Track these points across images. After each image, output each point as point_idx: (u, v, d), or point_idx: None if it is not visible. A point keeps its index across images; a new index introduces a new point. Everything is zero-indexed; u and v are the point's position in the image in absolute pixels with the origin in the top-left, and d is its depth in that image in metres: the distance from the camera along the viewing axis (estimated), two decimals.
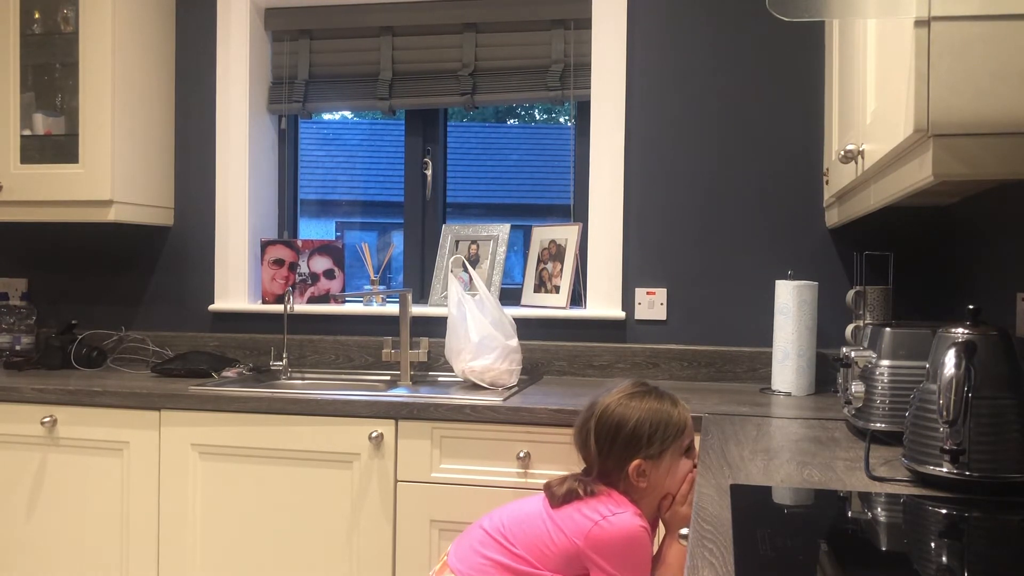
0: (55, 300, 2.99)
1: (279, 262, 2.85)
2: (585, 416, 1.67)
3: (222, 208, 2.85)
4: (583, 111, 2.72)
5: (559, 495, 1.58)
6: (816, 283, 2.33)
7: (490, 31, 2.76)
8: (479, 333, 2.32)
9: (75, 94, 2.63)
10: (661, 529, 1.71)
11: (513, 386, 2.33)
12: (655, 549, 1.70)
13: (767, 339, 2.48)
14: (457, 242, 2.77)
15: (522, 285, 2.78)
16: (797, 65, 2.51)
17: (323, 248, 2.85)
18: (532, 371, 2.63)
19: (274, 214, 2.99)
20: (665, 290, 2.59)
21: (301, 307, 2.80)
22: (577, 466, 1.71)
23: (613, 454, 1.61)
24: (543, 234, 2.74)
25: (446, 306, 2.48)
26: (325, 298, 2.84)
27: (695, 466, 1.66)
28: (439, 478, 2.11)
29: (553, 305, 2.64)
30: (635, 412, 1.62)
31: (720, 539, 1.02)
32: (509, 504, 1.67)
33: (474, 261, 2.71)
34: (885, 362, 1.58)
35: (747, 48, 2.54)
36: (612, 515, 1.54)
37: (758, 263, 2.54)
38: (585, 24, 2.66)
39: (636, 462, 1.60)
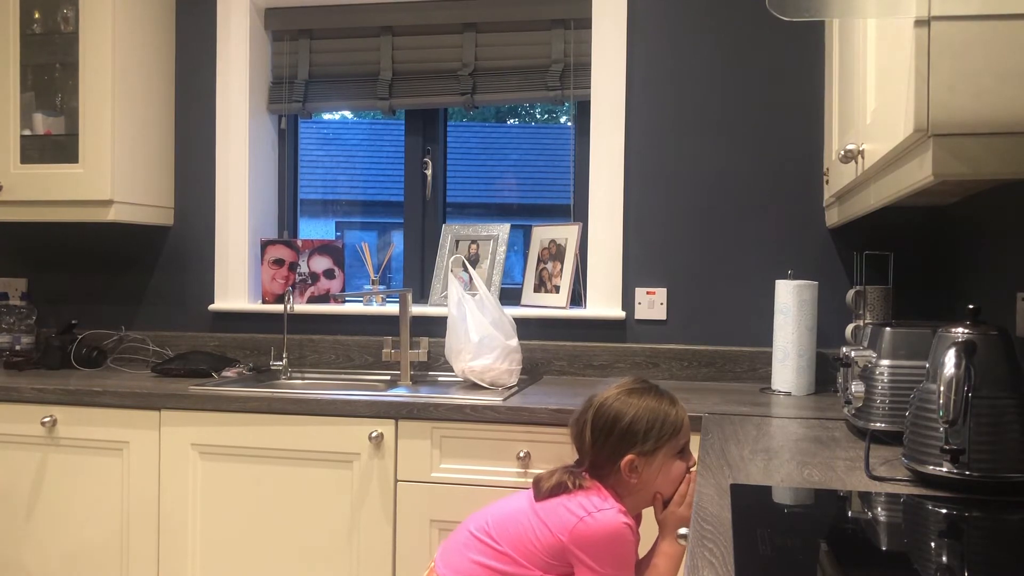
0: (55, 300, 2.99)
1: (279, 262, 2.85)
2: (583, 408, 1.68)
3: (222, 208, 2.85)
4: (583, 111, 2.72)
5: (547, 487, 1.59)
6: (816, 283, 2.33)
7: (490, 31, 2.76)
8: (479, 333, 2.32)
9: (75, 94, 2.63)
10: (652, 529, 1.70)
11: (513, 386, 2.33)
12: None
13: (767, 339, 2.48)
14: (457, 242, 2.77)
15: (522, 285, 2.78)
16: (797, 65, 2.51)
17: (323, 248, 2.85)
18: (532, 371, 2.63)
19: (274, 214, 2.99)
20: (665, 290, 2.59)
21: (301, 307, 2.80)
22: None
23: (607, 447, 1.62)
24: (543, 234, 2.74)
25: (446, 306, 2.48)
26: (325, 298, 2.84)
27: (691, 468, 1.67)
28: (439, 478, 2.11)
29: (553, 305, 2.64)
30: (632, 408, 1.62)
31: (720, 539, 1.02)
32: (493, 504, 1.67)
33: (474, 261, 2.71)
34: (885, 362, 1.58)
35: (747, 48, 2.54)
36: (597, 511, 1.54)
37: (758, 263, 2.54)
38: (585, 24, 2.66)
39: (629, 457, 1.60)
